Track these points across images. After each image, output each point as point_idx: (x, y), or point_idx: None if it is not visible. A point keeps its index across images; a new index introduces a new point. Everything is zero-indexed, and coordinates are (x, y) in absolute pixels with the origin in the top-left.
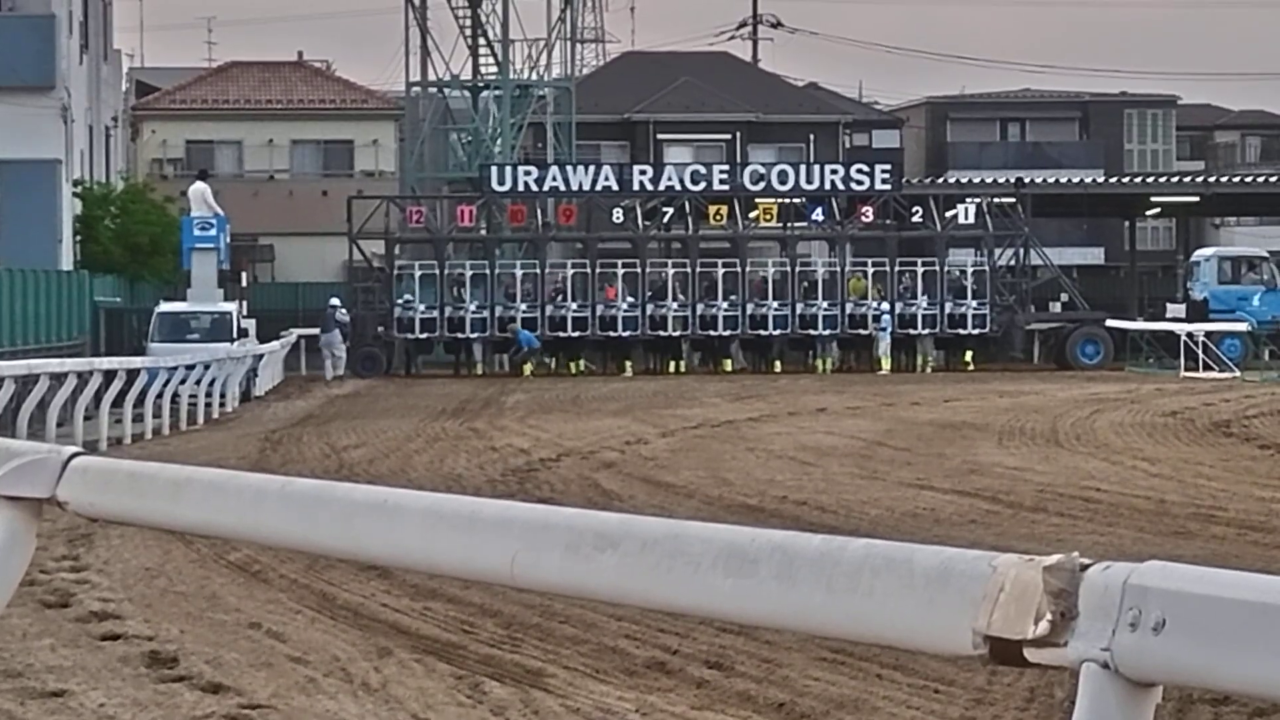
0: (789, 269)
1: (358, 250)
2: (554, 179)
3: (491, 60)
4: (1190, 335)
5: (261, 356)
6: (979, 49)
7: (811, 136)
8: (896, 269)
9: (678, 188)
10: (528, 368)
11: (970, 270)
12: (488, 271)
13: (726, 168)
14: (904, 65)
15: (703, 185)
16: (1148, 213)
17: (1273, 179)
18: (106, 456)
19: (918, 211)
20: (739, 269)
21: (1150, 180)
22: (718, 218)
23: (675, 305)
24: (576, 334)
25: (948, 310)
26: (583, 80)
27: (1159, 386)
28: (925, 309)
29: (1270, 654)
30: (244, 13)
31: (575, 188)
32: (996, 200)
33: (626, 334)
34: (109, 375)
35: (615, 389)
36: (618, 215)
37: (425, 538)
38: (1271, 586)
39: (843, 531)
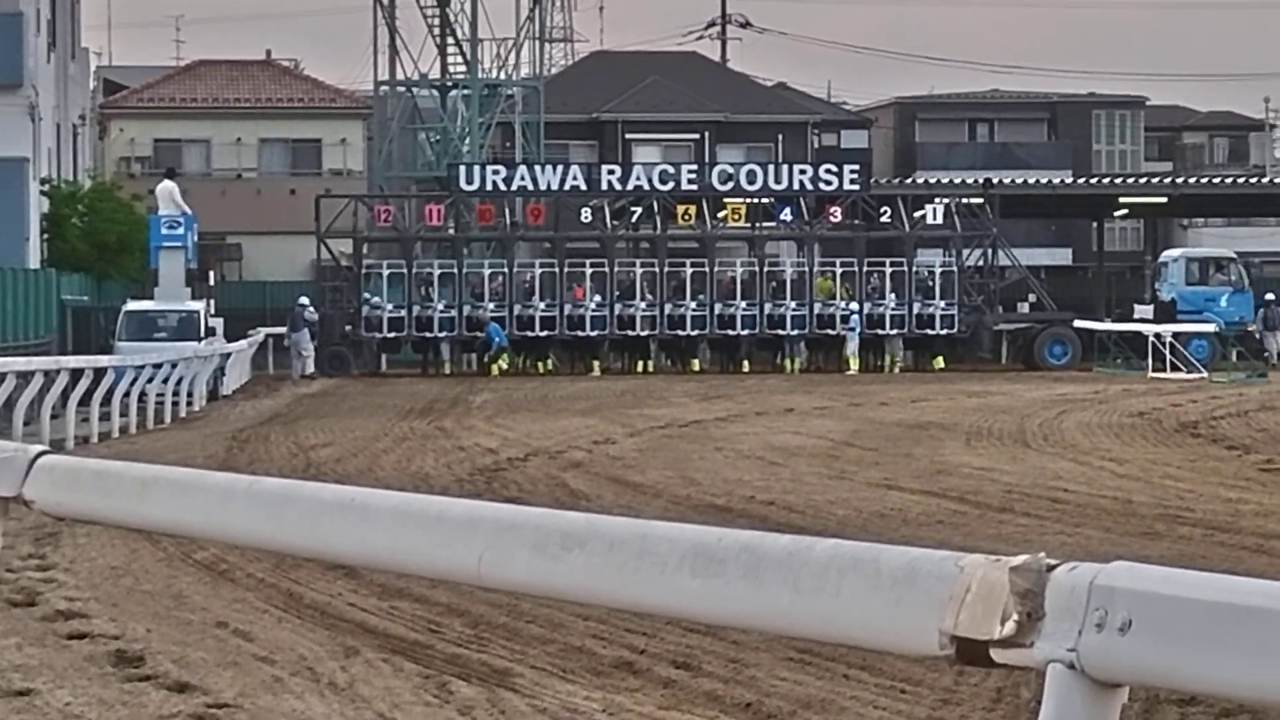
0: (757, 269)
1: (326, 249)
2: (522, 178)
3: (460, 59)
4: (1158, 336)
5: (229, 355)
6: (947, 49)
7: (780, 136)
8: (865, 269)
9: (646, 187)
10: (496, 367)
11: (938, 270)
12: (456, 271)
13: (695, 167)
14: (872, 65)
15: (671, 185)
16: (1116, 213)
17: (1240, 180)
18: (73, 455)
19: (886, 212)
20: (707, 269)
21: (1118, 181)
22: (686, 217)
23: (643, 305)
24: (544, 333)
25: (916, 310)
26: (551, 80)
27: (1127, 387)
28: (893, 309)
29: (1236, 654)
30: (212, 11)
31: (543, 187)
32: (965, 201)
33: (594, 333)
34: (76, 374)
35: (583, 388)
36: (586, 215)
37: (393, 537)
38: (1237, 587)
39: (810, 531)
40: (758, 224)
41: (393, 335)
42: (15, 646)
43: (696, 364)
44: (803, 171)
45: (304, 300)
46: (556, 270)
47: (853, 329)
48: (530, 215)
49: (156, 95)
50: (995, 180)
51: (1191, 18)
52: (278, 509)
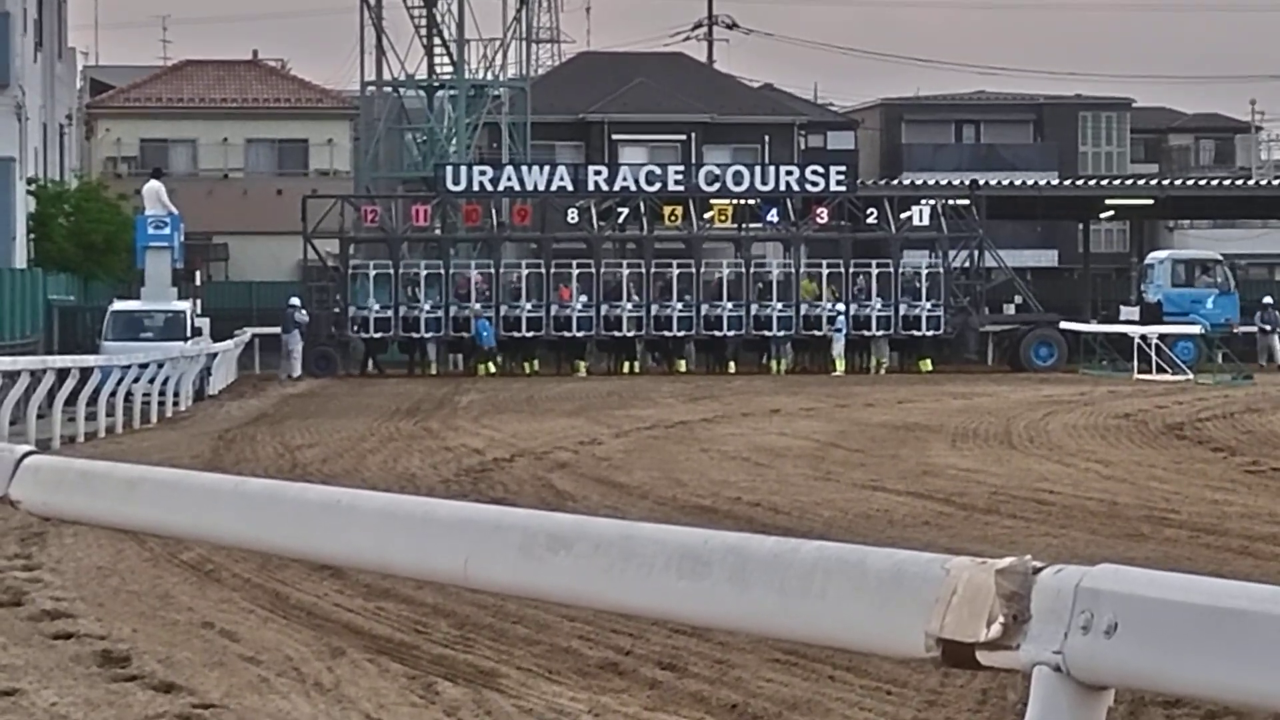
0: (744, 270)
1: (312, 249)
2: (509, 179)
3: (447, 60)
4: (1144, 338)
5: (215, 355)
6: (934, 51)
7: (766, 138)
8: (851, 270)
9: (633, 188)
10: (483, 367)
11: (925, 272)
12: (442, 271)
13: (681, 168)
14: (859, 67)
15: (658, 186)
16: (1102, 215)
17: (1226, 182)
18: (59, 455)
19: (872, 213)
20: (694, 270)
21: (1104, 183)
22: (673, 218)
23: (630, 306)
24: (531, 334)
25: (902, 312)
26: (538, 80)
27: (1112, 389)
28: (880, 310)
29: (1222, 657)
30: (199, 11)
31: (530, 188)
32: (951, 202)
33: (581, 334)
34: (62, 374)
35: (569, 389)
36: (573, 215)
37: (379, 538)
38: (1223, 590)
39: (796, 533)
40: (744, 225)
41: (379, 336)
42: (1, 647)
43: (683, 365)
44: (789, 173)
45: (295, 300)
46: (543, 271)
47: (839, 330)
48: (517, 216)
49: (143, 95)
50: (981, 182)
51: (1178, 20)
52: (264, 509)
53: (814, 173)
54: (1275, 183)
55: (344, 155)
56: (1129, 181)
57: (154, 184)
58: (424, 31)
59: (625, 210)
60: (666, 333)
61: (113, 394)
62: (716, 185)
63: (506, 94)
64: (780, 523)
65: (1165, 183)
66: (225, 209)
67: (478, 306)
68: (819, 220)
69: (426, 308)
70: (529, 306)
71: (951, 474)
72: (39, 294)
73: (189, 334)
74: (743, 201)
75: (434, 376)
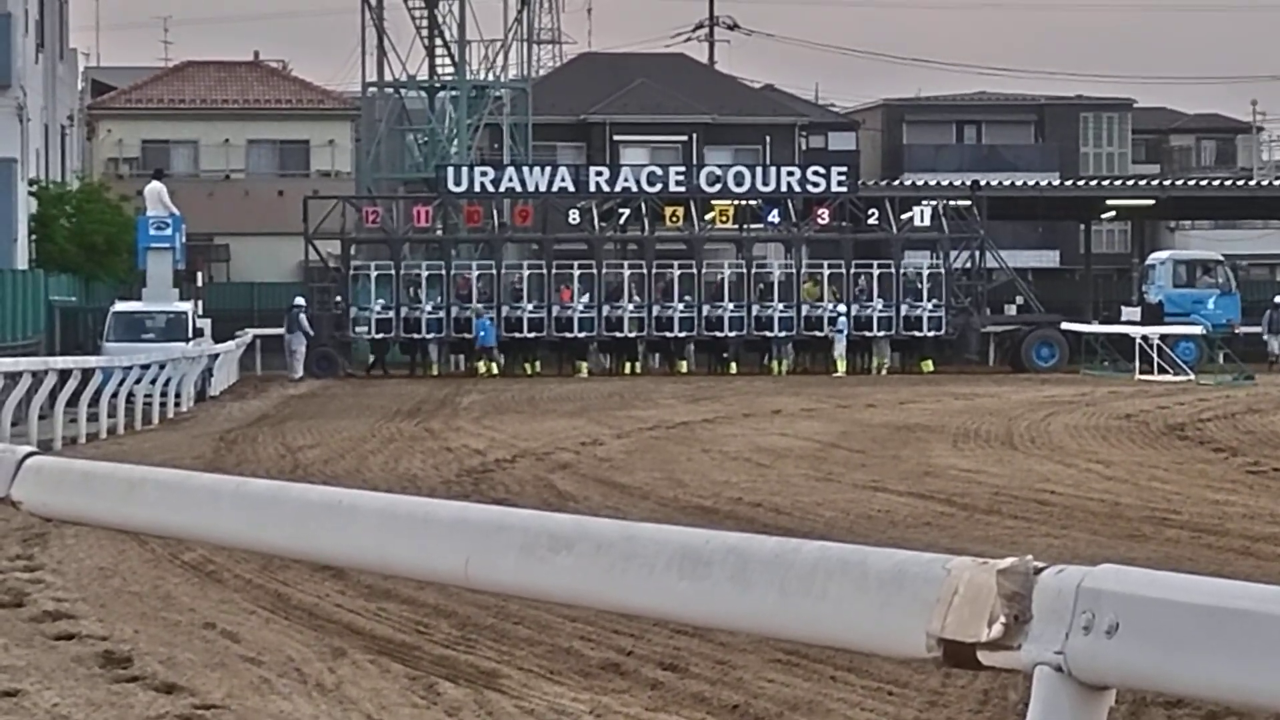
0: (745, 271)
1: (314, 250)
2: (510, 180)
3: (448, 61)
4: (1145, 338)
5: (217, 356)
6: (935, 52)
7: (768, 138)
8: (852, 271)
9: (634, 189)
10: (483, 367)
11: (926, 272)
12: (444, 272)
13: (683, 169)
14: (860, 68)
15: (659, 187)
16: (1103, 216)
17: (1228, 182)
18: (61, 456)
19: (873, 214)
20: (695, 270)
21: (1105, 183)
22: (674, 219)
23: (631, 306)
24: (532, 335)
25: (903, 312)
26: (539, 81)
27: (1114, 389)
28: (881, 311)
29: (1223, 657)
30: (200, 12)
31: (531, 189)
32: (952, 203)
33: (582, 335)
34: (64, 374)
35: (571, 390)
36: (574, 216)
37: (380, 538)
38: (1224, 590)
39: (797, 533)
40: (745, 226)
41: (380, 336)
42: (3, 648)
43: (684, 365)
44: (790, 173)
45: (300, 301)
46: (544, 272)
47: (840, 331)
48: (518, 217)
49: (144, 96)
50: (983, 182)
51: (1179, 20)
52: (265, 510)
53: (815, 173)
54: (1276, 183)
55: (345, 156)
56: (1130, 182)
57: (155, 185)
58: (425, 32)
59: (626, 211)
60: (668, 333)
61: (114, 395)
62: (718, 186)
63: (508, 95)
64: (781, 523)
65: (1166, 183)
66: (226, 210)
67: (479, 306)
68: (820, 221)
69: (428, 309)
70: (530, 307)
71: (953, 474)
72: (40, 295)
73: (190, 335)
74: (744, 202)
75: (435, 377)
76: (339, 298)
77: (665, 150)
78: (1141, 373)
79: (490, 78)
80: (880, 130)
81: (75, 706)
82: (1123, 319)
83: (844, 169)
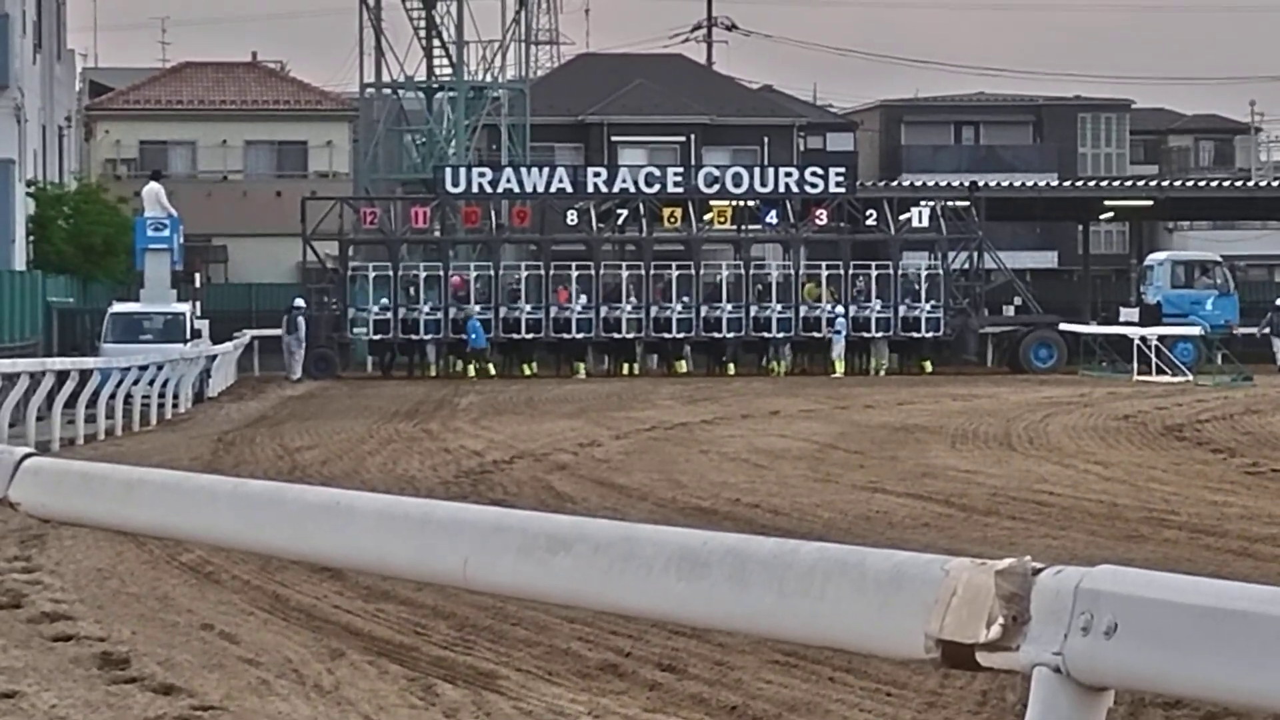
0: (743, 271)
1: (312, 251)
2: (508, 181)
3: (446, 61)
4: (1143, 339)
5: (215, 357)
6: (933, 52)
7: (766, 139)
8: (850, 272)
9: (632, 190)
10: (475, 369)
11: (924, 273)
12: (442, 273)
13: (681, 170)
14: (858, 68)
15: (657, 187)
16: (1101, 216)
17: (1226, 183)
18: (59, 457)
19: (872, 214)
20: (693, 271)
21: (1104, 184)
22: (672, 220)
23: (629, 307)
24: (530, 336)
25: (901, 313)
26: (537, 82)
27: (1112, 390)
28: (879, 312)
29: (1221, 658)
30: (198, 13)
31: (529, 189)
32: (950, 203)
33: (580, 336)
34: (62, 376)
35: (569, 391)
36: (572, 217)
37: (378, 540)
38: (1223, 591)
39: (795, 534)
40: (743, 226)
41: (378, 337)
42: (1, 649)
43: (682, 366)
44: (788, 174)
45: (299, 302)
46: (542, 273)
47: (838, 332)
48: (516, 218)
49: (142, 97)
50: (981, 183)
51: (1177, 21)
52: (263, 511)
53: (813, 174)
54: (1275, 184)
55: (343, 157)
56: (1128, 183)
57: (153, 186)
58: (423, 33)
59: (624, 212)
60: (666, 334)
61: (112, 396)
62: (716, 187)
63: (506, 95)
64: (780, 524)
65: (1165, 184)
66: (224, 211)
67: (471, 308)
68: (818, 222)
69: (426, 309)
70: (528, 308)
71: (951, 475)
72: (38, 296)
73: (188, 336)
74: (742, 203)
75: (433, 378)
76: (331, 299)
77: (663, 151)
78: (1140, 374)
79: (488, 78)
80: (878, 131)
81: (73, 708)
82: (1121, 320)
83: (842, 170)
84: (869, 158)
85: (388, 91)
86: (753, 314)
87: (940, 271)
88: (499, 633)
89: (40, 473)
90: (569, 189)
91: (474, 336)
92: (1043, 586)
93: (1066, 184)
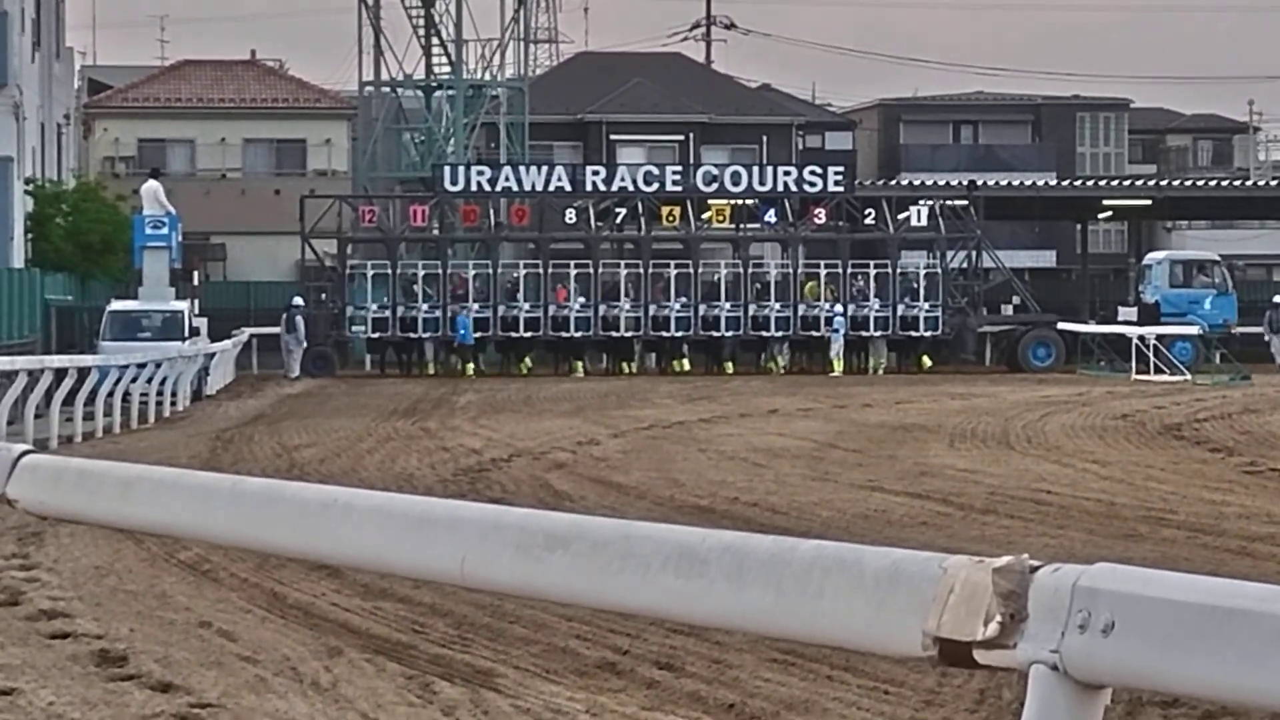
0: (741, 270)
1: (310, 249)
2: (507, 179)
3: (445, 60)
4: (1142, 338)
5: (213, 355)
6: (932, 52)
7: (764, 138)
8: (849, 271)
9: (630, 188)
10: (467, 367)
11: (922, 272)
12: (440, 271)
13: (679, 169)
14: (857, 67)
15: (655, 186)
16: (1099, 216)
17: (1224, 183)
18: (57, 455)
19: (870, 213)
20: (691, 270)
21: (1102, 183)
22: (670, 219)
23: (628, 306)
24: (528, 334)
25: (900, 312)
26: (536, 80)
27: (1110, 389)
28: (877, 311)
29: (1219, 656)
30: (197, 11)
31: (528, 188)
32: (949, 203)
33: (579, 334)
34: (60, 373)
35: (567, 389)
36: (570, 216)
37: (376, 537)
38: (1220, 589)
39: (793, 533)
40: (742, 225)
41: (377, 336)
42: None
43: (680, 365)
44: (787, 173)
45: (298, 300)
46: (541, 271)
47: (837, 331)
48: (515, 216)
49: (141, 95)
50: (979, 182)
51: (1176, 20)
52: (261, 509)
53: (812, 173)
54: (1273, 183)
55: (342, 155)
56: (1127, 182)
57: (152, 184)
58: (422, 32)
59: (623, 210)
60: (664, 333)
61: (110, 394)
62: (714, 185)
63: (504, 94)
64: (778, 522)
65: (1163, 183)
66: (223, 209)
67: (475, 307)
68: (817, 221)
69: (424, 308)
70: (526, 307)
71: (949, 474)
72: (36, 294)
73: (187, 334)
74: (740, 202)
75: (431, 377)
76: (329, 298)
77: (662, 150)
78: (1138, 373)
79: (487, 77)
80: (877, 130)
81: (71, 705)
82: (1119, 319)
83: (840, 169)
84: (867, 157)
85: (386, 90)
86: (751, 313)
87: (939, 270)
88: (497, 630)
89: (38, 470)
90: (567, 188)
91: (462, 332)
92: (1040, 584)
93: (1065, 183)
